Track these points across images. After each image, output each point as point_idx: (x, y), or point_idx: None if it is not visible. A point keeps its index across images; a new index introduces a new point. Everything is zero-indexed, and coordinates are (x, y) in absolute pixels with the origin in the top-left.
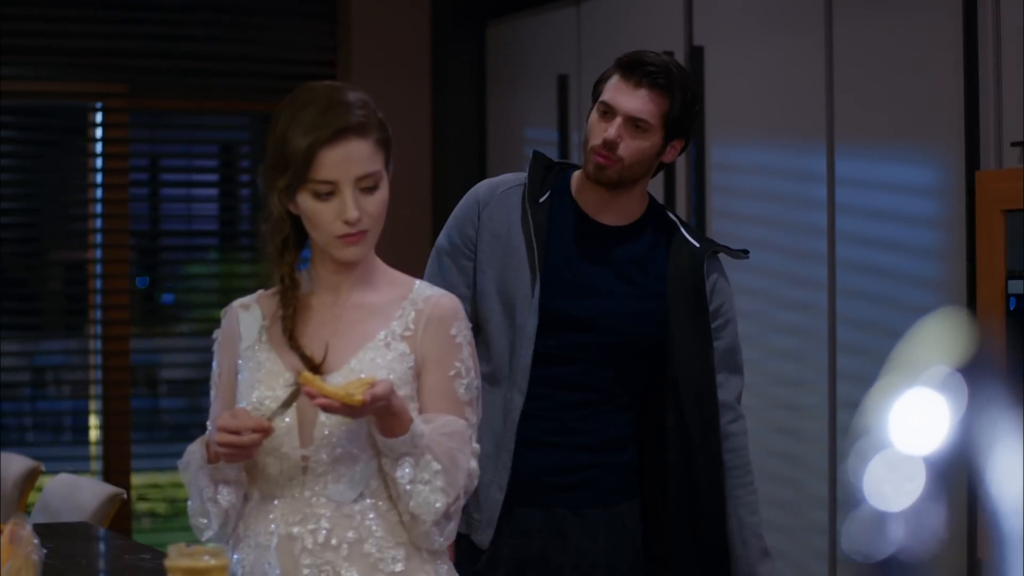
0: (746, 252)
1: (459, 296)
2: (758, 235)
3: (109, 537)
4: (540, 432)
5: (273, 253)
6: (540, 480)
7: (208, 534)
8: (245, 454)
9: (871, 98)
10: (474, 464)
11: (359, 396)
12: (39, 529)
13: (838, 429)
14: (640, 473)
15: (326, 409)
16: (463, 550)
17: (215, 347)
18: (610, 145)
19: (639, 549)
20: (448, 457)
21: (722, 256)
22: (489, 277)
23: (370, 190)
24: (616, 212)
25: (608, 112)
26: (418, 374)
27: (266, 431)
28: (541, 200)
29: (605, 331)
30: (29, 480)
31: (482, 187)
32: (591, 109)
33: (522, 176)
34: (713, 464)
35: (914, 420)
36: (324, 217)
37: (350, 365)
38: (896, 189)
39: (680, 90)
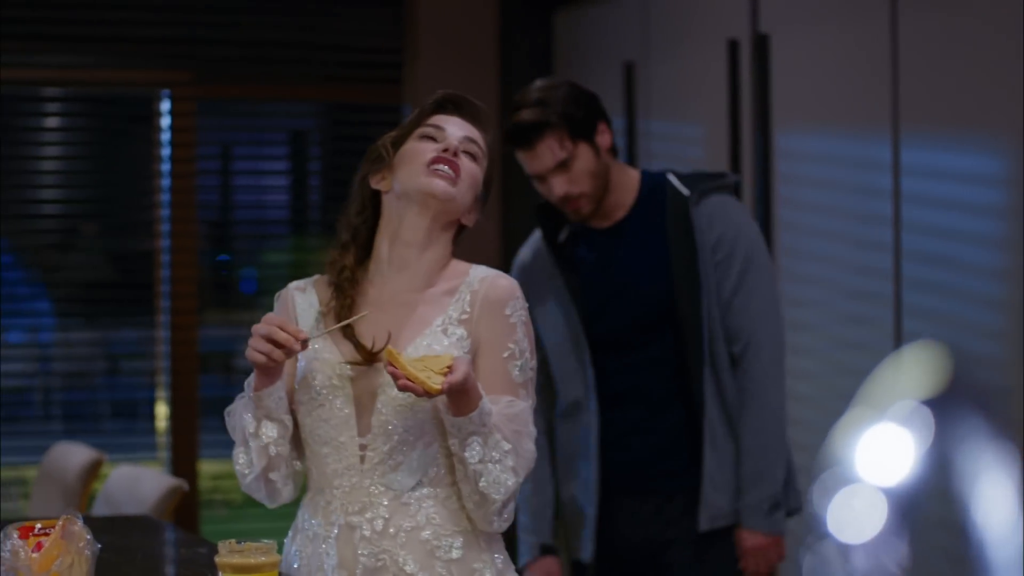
0: (725, 175)
1: None
2: (823, 223)
3: (168, 530)
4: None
5: (338, 244)
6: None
7: (249, 478)
8: (275, 352)
9: (936, 86)
10: (532, 447)
11: (437, 385)
12: (99, 522)
13: None
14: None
15: (404, 389)
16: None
17: None
18: (565, 199)
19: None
20: (515, 437)
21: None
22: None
23: (470, 155)
24: (615, 210)
25: (539, 178)
26: (474, 356)
27: (303, 340)
28: (562, 239)
29: (636, 330)
30: (91, 471)
31: (515, 272)
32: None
33: (535, 236)
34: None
35: (880, 453)
36: (422, 148)
37: (407, 352)
38: (961, 178)
39: (552, 109)
